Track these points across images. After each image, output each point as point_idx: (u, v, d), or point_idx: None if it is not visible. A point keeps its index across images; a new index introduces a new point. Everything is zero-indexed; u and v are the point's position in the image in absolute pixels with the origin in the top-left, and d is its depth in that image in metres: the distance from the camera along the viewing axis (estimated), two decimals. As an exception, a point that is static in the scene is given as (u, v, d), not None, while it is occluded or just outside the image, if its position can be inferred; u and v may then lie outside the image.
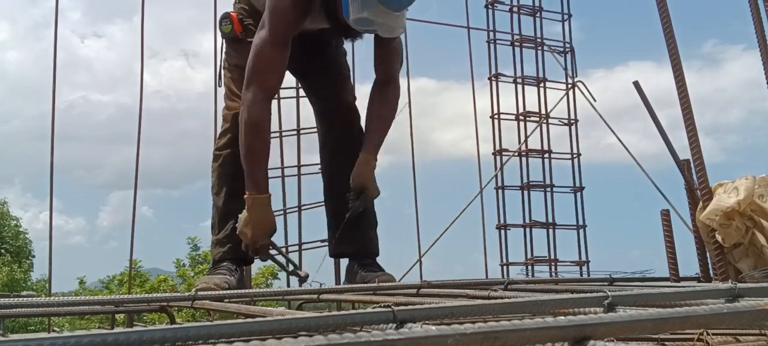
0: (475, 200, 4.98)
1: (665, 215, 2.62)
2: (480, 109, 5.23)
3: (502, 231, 5.69)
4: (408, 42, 4.57)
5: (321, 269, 3.25)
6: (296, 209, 4.14)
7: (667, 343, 1.69)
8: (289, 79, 3.91)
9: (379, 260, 2.68)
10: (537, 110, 6.00)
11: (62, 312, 2.34)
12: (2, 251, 22.18)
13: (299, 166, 4.23)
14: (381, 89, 2.59)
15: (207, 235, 2.74)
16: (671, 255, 2.58)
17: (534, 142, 5.94)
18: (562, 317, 0.78)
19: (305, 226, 4.13)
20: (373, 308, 1.05)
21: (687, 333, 1.65)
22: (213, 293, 2.05)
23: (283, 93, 4.24)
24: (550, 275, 5.64)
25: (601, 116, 5.36)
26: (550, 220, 5.87)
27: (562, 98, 5.94)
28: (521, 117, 5.95)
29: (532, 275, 5.63)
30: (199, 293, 1.94)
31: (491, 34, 5.92)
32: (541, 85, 6.03)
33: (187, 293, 1.97)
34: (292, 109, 4.27)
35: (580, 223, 5.90)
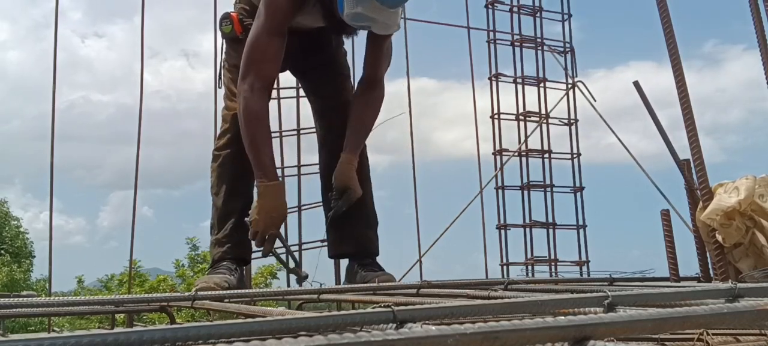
0: (475, 199, 4.99)
1: (665, 215, 2.62)
2: (480, 109, 5.23)
3: (502, 231, 5.68)
4: (408, 42, 4.60)
5: (321, 269, 3.25)
6: (296, 209, 4.14)
7: (667, 343, 1.69)
8: (289, 79, 3.93)
9: (379, 259, 2.68)
10: (537, 110, 5.99)
11: (62, 312, 2.34)
12: (2, 251, 22.17)
13: (299, 166, 4.23)
14: (367, 90, 2.60)
15: (207, 235, 2.75)
16: (671, 255, 2.58)
17: (534, 142, 5.94)
18: (562, 317, 0.78)
19: (305, 226, 4.14)
20: (373, 308, 1.05)
21: (687, 333, 1.64)
22: (213, 293, 2.04)
23: (283, 93, 4.25)
24: (550, 275, 5.63)
25: (601, 116, 5.36)
26: (550, 220, 5.86)
27: (562, 98, 5.93)
28: (521, 117, 5.94)
29: (532, 275, 5.62)
30: (199, 293, 1.94)
31: (491, 34, 5.91)
32: (541, 85, 6.02)
33: (187, 293, 1.97)
34: (292, 109, 4.28)
35: (580, 223, 5.90)
